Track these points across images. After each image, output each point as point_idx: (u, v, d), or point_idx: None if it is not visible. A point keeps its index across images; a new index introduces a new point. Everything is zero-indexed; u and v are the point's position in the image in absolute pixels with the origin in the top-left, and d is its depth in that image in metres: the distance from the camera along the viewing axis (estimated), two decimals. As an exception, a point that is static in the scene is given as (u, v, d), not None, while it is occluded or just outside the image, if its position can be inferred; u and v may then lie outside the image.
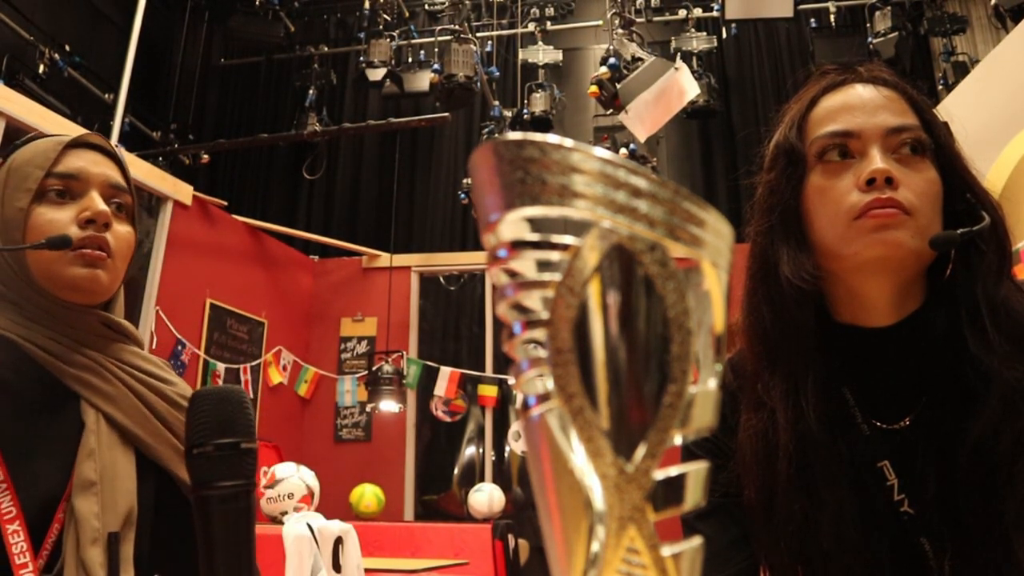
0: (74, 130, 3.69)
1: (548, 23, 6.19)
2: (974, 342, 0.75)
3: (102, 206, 0.95)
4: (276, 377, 5.17)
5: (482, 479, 5.35)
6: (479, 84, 5.46)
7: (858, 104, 0.81)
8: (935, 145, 0.80)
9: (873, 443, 0.80)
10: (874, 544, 0.77)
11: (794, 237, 0.82)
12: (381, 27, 5.95)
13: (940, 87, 5.31)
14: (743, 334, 0.86)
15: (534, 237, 0.28)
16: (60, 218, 0.93)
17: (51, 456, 0.88)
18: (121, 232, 0.98)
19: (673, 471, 0.28)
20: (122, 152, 1.03)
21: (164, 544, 0.93)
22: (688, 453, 0.83)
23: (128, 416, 0.94)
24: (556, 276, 0.27)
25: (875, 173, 0.76)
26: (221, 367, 4.68)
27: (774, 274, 0.82)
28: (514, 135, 0.27)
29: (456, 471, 5.77)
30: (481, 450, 5.65)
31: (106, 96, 5.57)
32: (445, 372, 5.24)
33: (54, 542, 0.85)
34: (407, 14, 6.23)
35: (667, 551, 0.27)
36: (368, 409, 5.20)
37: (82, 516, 0.85)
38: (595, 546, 0.27)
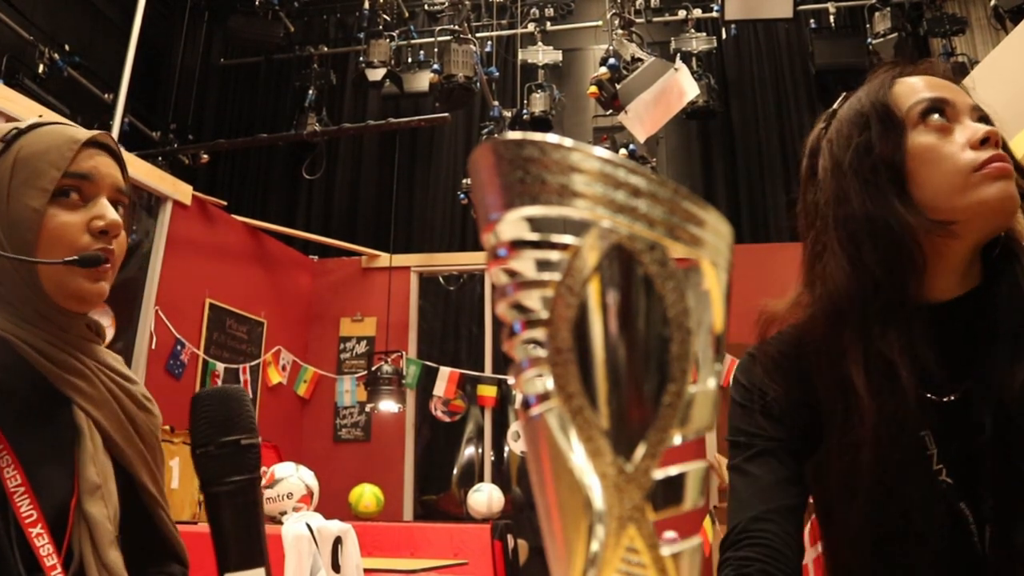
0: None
1: (548, 23, 6.18)
2: None
3: (115, 216, 0.94)
4: (275, 377, 5.17)
5: (481, 479, 5.35)
6: (479, 84, 5.46)
7: (940, 83, 0.91)
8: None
9: (919, 413, 0.83)
10: (924, 510, 0.82)
11: (904, 192, 0.86)
12: (381, 27, 5.95)
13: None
14: (836, 300, 0.88)
15: (534, 236, 0.28)
16: (73, 223, 0.92)
17: (55, 461, 0.89)
18: (121, 238, 0.97)
19: (673, 471, 0.28)
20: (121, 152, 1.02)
21: (129, 547, 0.93)
22: (742, 407, 0.92)
23: (109, 421, 0.94)
24: (556, 275, 0.27)
25: (990, 133, 0.84)
26: (220, 367, 4.68)
27: (884, 229, 0.86)
28: (514, 134, 0.27)
29: (455, 471, 5.77)
30: (480, 450, 5.65)
31: (106, 96, 5.56)
32: (444, 372, 5.24)
33: (68, 544, 0.86)
34: (407, 14, 6.23)
35: (666, 550, 0.27)
36: (367, 409, 5.20)
37: (97, 519, 0.86)
38: (594, 546, 0.27)
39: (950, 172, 0.85)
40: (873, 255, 0.86)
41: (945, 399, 0.85)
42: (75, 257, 0.89)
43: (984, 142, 0.84)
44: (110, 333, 1.15)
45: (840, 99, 0.98)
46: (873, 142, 0.88)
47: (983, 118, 0.89)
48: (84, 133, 0.96)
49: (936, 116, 0.87)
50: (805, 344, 0.91)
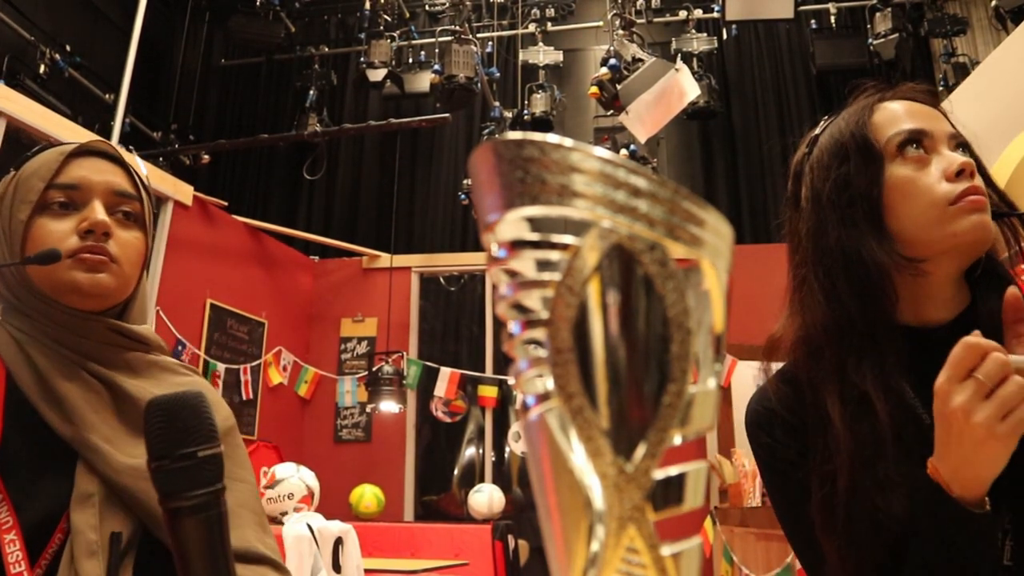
0: (74, 130, 3.69)
1: (548, 24, 6.19)
2: None
3: (101, 216, 0.94)
4: (276, 377, 5.17)
5: (482, 480, 5.35)
6: (479, 85, 5.46)
7: (919, 111, 0.92)
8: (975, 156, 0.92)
9: (929, 434, 0.85)
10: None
11: (879, 226, 0.89)
12: (381, 28, 5.95)
13: (941, 88, 5.31)
14: (813, 333, 0.90)
15: (534, 237, 0.28)
16: (60, 229, 0.93)
17: (56, 471, 0.88)
18: (126, 239, 0.97)
19: (673, 471, 0.28)
20: (133, 157, 1.02)
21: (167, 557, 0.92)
22: (782, 478, 0.93)
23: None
24: (556, 276, 0.27)
25: (965, 165, 0.86)
26: (221, 367, 4.68)
27: (857, 264, 0.88)
28: (514, 135, 0.27)
29: (456, 472, 5.77)
30: (481, 451, 5.65)
31: (107, 96, 5.57)
32: (445, 373, 5.24)
33: (53, 554, 0.85)
34: (407, 15, 6.23)
35: (666, 550, 0.27)
36: (368, 410, 5.20)
37: (78, 529, 0.85)
38: (595, 546, 0.27)
39: (926, 205, 0.87)
40: (847, 290, 0.88)
41: None
42: (29, 256, 0.91)
43: (960, 173, 0.86)
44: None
45: (822, 123, 0.99)
46: (851, 175, 0.90)
47: (961, 145, 0.91)
48: (75, 145, 0.98)
49: (913, 148, 0.89)
50: (799, 381, 0.93)
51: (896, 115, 0.92)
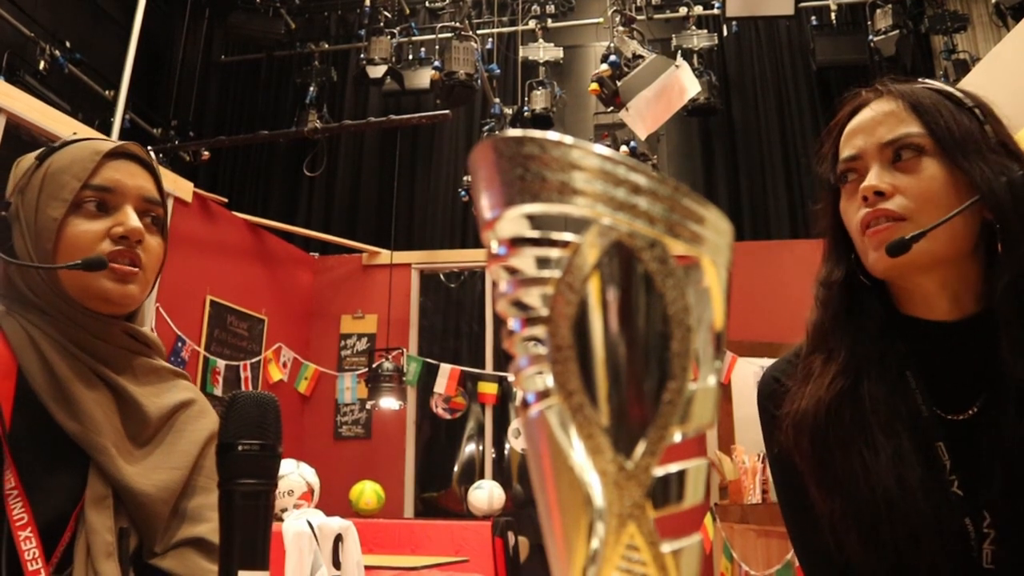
0: (74, 126, 3.69)
1: (549, 20, 6.18)
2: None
3: (136, 222, 0.95)
4: (276, 374, 5.17)
5: (482, 476, 5.35)
6: (480, 81, 5.45)
7: (861, 126, 0.90)
8: (938, 141, 0.84)
9: (931, 425, 0.85)
10: (925, 511, 0.81)
11: (847, 252, 0.92)
12: (382, 24, 5.94)
13: (941, 85, 5.29)
14: (824, 324, 0.94)
15: (534, 234, 0.28)
16: (93, 231, 0.93)
17: (69, 468, 0.89)
18: (152, 245, 0.98)
19: (673, 468, 0.28)
20: (154, 162, 1.03)
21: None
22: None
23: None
24: (556, 273, 0.27)
25: (864, 191, 0.86)
26: (221, 364, 4.68)
27: (840, 284, 0.92)
28: (514, 132, 0.27)
29: (456, 468, 5.77)
30: (481, 447, 5.65)
31: (107, 93, 5.56)
32: (445, 369, 5.24)
33: (64, 551, 0.86)
34: (408, 11, 6.22)
35: (666, 548, 0.28)
36: (368, 406, 5.20)
37: (95, 529, 0.86)
38: (595, 543, 0.27)
39: (855, 233, 0.89)
40: (841, 294, 0.92)
41: (959, 416, 0.85)
42: (77, 261, 0.91)
43: (865, 199, 0.86)
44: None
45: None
46: (822, 210, 0.96)
47: (901, 152, 0.85)
48: (109, 145, 0.98)
49: (850, 175, 0.90)
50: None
51: (846, 139, 0.91)
